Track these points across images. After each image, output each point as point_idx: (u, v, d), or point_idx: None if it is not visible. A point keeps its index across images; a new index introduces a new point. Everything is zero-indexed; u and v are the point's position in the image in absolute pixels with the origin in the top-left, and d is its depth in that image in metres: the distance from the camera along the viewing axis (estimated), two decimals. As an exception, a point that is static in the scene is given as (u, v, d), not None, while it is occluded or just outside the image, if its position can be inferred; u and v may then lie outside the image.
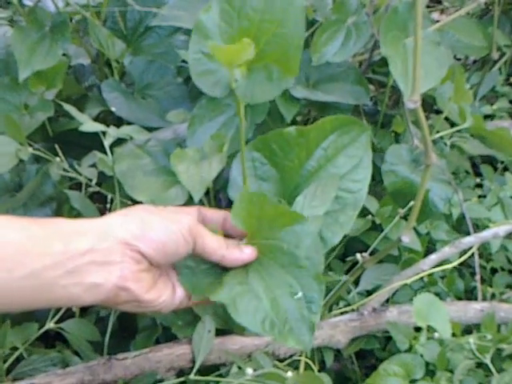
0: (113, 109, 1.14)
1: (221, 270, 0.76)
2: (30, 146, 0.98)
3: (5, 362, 0.93)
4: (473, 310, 1.03)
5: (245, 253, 0.75)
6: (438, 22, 1.09)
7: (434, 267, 1.02)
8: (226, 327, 0.93)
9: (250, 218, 0.78)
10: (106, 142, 0.96)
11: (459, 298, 1.12)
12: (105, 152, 0.96)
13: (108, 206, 1.03)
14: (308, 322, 0.71)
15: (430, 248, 1.14)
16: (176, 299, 0.75)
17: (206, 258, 0.75)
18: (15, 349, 0.94)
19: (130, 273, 0.67)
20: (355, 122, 0.93)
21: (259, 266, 0.75)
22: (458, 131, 1.16)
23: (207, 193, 0.96)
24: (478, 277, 1.11)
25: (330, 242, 0.88)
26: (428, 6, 1.61)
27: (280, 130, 0.91)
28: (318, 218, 0.83)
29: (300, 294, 0.71)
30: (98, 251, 0.65)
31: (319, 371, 0.99)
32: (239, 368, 0.89)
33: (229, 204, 0.85)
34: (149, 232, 0.68)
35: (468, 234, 1.12)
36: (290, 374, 0.80)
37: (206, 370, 0.92)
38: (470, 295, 1.14)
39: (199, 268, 0.77)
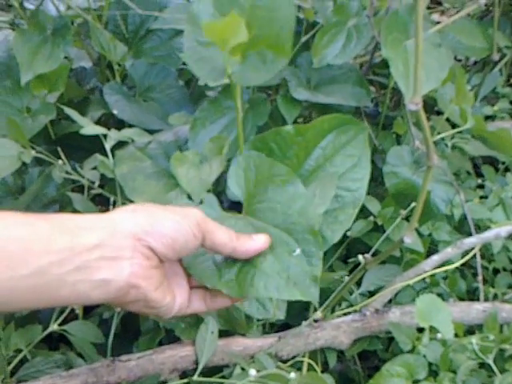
0: (114, 111, 1.15)
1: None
2: (33, 148, 0.99)
3: (9, 364, 0.93)
4: (475, 310, 1.03)
5: (257, 241, 0.73)
6: (438, 23, 1.10)
7: (436, 268, 1.02)
8: (229, 328, 0.93)
9: (247, 182, 0.78)
10: (107, 145, 0.96)
11: (461, 299, 1.12)
12: (106, 154, 0.96)
13: (111, 208, 1.03)
14: (310, 275, 0.71)
15: (431, 249, 1.14)
16: (176, 306, 0.73)
17: (216, 251, 0.73)
18: (19, 351, 0.94)
19: (140, 269, 0.64)
20: (353, 122, 0.94)
21: (255, 231, 0.75)
22: (459, 132, 1.16)
23: (208, 194, 0.96)
24: (479, 277, 1.11)
25: (331, 240, 0.89)
26: (428, 8, 1.61)
27: (278, 128, 0.92)
28: (318, 216, 0.83)
29: (298, 251, 0.72)
30: (107, 246, 0.62)
31: (322, 372, 1.00)
32: (242, 369, 0.89)
33: (231, 206, 0.85)
34: (158, 226, 0.66)
35: (470, 234, 1.12)
36: (293, 375, 0.80)
37: (210, 371, 0.92)
38: (472, 296, 1.15)
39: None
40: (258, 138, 0.91)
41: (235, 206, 0.80)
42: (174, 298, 0.73)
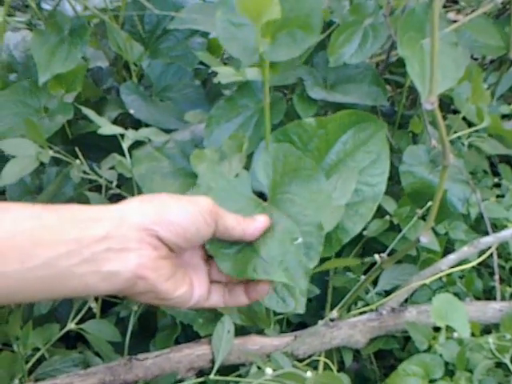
0: (131, 111, 1.15)
1: None
2: (50, 148, 0.99)
3: (27, 362, 0.94)
4: (492, 309, 1.03)
5: (259, 221, 0.74)
6: (454, 21, 1.09)
7: (452, 267, 1.02)
8: (250, 323, 0.93)
9: (275, 172, 0.79)
10: (125, 145, 0.97)
11: (478, 298, 1.11)
12: (123, 154, 0.97)
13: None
14: (304, 266, 0.71)
15: (448, 248, 1.14)
16: (194, 297, 0.73)
17: (228, 237, 0.73)
18: (37, 350, 0.95)
19: (148, 260, 0.64)
20: (371, 119, 0.97)
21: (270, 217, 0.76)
22: (476, 131, 1.15)
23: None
24: (496, 276, 1.11)
25: (352, 231, 0.92)
26: (444, 6, 1.60)
27: (299, 120, 0.95)
28: (340, 207, 0.86)
29: (300, 240, 0.72)
30: (114, 238, 0.62)
31: (338, 371, 1.00)
32: (258, 368, 0.90)
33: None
34: (167, 215, 0.66)
35: (486, 233, 1.12)
36: (309, 374, 0.81)
37: (226, 370, 0.92)
38: (488, 295, 1.14)
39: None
40: (279, 131, 0.94)
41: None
42: (192, 290, 0.72)
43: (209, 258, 0.77)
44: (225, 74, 0.99)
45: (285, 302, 0.87)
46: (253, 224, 0.73)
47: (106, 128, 0.97)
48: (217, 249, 0.73)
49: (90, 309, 0.99)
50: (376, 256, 0.94)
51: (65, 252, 0.60)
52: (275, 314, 0.98)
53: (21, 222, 0.59)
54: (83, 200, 1.04)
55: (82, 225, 0.62)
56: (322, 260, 0.78)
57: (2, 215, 0.59)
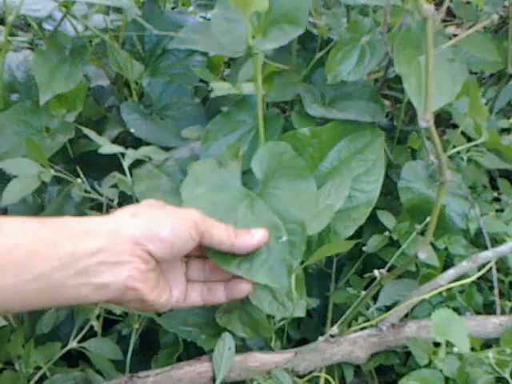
0: (132, 130, 1.16)
1: None
2: (52, 167, 1.00)
3: (28, 381, 0.94)
4: (492, 324, 1.03)
5: (254, 237, 0.75)
6: (455, 35, 1.10)
7: (452, 282, 1.02)
8: (255, 335, 0.93)
9: (268, 167, 0.83)
10: (125, 163, 0.97)
11: (478, 313, 1.11)
12: (124, 172, 0.98)
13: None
14: (288, 265, 0.74)
15: (448, 263, 1.14)
16: (172, 300, 0.76)
17: (216, 249, 0.75)
18: (39, 368, 0.96)
19: (138, 273, 0.67)
20: (368, 127, 0.99)
21: (254, 214, 0.79)
22: (475, 146, 1.16)
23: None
24: (496, 291, 1.11)
25: (343, 235, 0.94)
26: (444, 20, 1.61)
27: (295, 131, 0.98)
28: (328, 209, 0.87)
29: (284, 238, 0.75)
30: (107, 251, 0.65)
31: (339, 387, 1.00)
32: (259, 385, 0.90)
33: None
34: (158, 232, 0.69)
35: (486, 248, 1.12)
36: (309, 390, 0.81)
37: (227, 387, 0.93)
38: (489, 309, 1.14)
39: None
40: (274, 141, 0.94)
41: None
42: (171, 293, 0.76)
43: (187, 259, 0.80)
44: (220, 88, 1.01)
45: (284, 307, 0.88)
46: (246, 239, 0.75)
47: (107, 147, 0.98)
48: None
49: (91, 327, 1.00)
50: (376, 272, 0.95)
51: (59, 265, 0.62)
52: (275, 323, 0.98)
53: (18, 236, 0.62)
54: (84, 218, 1.05)
55: (76, 239, 0.64)
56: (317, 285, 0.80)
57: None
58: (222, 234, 0.74)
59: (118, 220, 0.69)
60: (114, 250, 0.66)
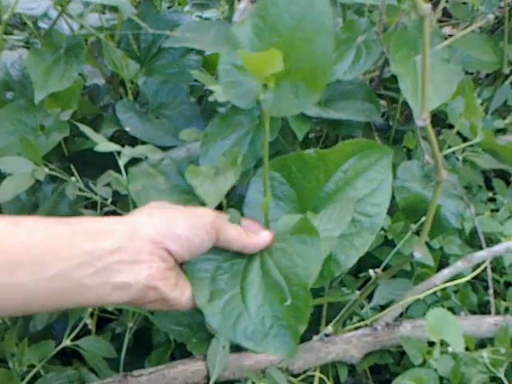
0: (127, 129, 1.16)
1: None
2: (46, 166, 1.00)
3: (22, 379, 0.94)
4: (486, 323, 1.03)
5: (261, 236, 0.76)
6: (450, 35, 1.10)
7: (447, 282, 1.02)
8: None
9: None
10: (121, 162, 0.97)
11: (473, 312, 1.12)
12: (120, 171, 0.97)
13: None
14: (294, 330, 0.70)
15: (442, 262, 1.14)
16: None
17: (228, 248, 0.75)
18: (32, 366, 0.96)
19: (157, 271, 0.67)
20: (376, 146, 0.92)
21: (262, 266, 0.76)
22: (470, 146, 1.16)
23: (220, 209, 0.96)
24: (491, 291, 1.11)
25: (344, 264, 0.88)
26: (440, 21, 1.61)
27: (299, 152, 0.92)
28: (331, 238, 0.83)
29: (289, 302, 0.72)
30: (126, 250, 0.64)
31: (333, 386, 1.00)
32: (253, 384, 0.90)
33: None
34: (175, 229, 0.68)
35: (481, 248, 1.12)
36: (303, 389, 0.81)
37: (221, 385, 0.93)
38: (483, 309, 1.15)
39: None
40: (278, 160, 0.91)
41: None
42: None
43: None
44: (221, 93, 1.00)
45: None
46: (255, 239, 0.76)
47: (103, 145, 0.97)
48: (205, 302, 0.73)
49: (85, 325, 0.99)
50: (371, 271, 0.95)
51: (77, 264, 0.61)
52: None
53: (35, 235, 0.61)
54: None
55: (94, 237, 0.64)
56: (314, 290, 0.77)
57: (17, 228, 0.61)
58: (235, 233, 0.75)
59: (134, 220, 0.69)
60: (132, 248, 0.65)
